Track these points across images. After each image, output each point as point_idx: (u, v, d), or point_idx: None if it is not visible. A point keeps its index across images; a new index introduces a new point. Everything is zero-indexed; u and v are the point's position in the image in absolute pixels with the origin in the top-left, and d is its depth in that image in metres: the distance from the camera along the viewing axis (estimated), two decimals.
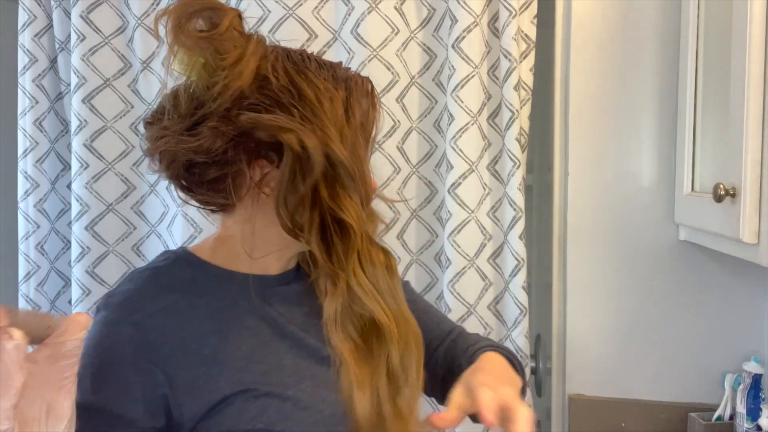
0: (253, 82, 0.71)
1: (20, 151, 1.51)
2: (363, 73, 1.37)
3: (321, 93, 0.74)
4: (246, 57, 0.70)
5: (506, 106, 1.34)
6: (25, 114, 1.49)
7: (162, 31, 0.70)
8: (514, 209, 1.35)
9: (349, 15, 1.38)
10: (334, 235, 0.75)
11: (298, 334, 0.79)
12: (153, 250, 1.49)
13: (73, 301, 1.49)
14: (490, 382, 0.70)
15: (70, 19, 1.45)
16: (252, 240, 0.79)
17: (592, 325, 1.39)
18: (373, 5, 1.37)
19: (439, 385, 0.90)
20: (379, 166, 1.40)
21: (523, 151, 1.36)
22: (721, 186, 1.02)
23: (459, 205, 1.38)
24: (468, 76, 1.35)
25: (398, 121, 1.41)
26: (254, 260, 0.81)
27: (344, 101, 0.76)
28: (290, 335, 0.79)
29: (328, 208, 0.74)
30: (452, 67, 1.36)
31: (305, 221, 0.74)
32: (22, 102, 1.50)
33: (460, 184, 1.37)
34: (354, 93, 0.78)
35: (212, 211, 0.83)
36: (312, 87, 0.74)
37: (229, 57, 0.70)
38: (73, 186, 1.46)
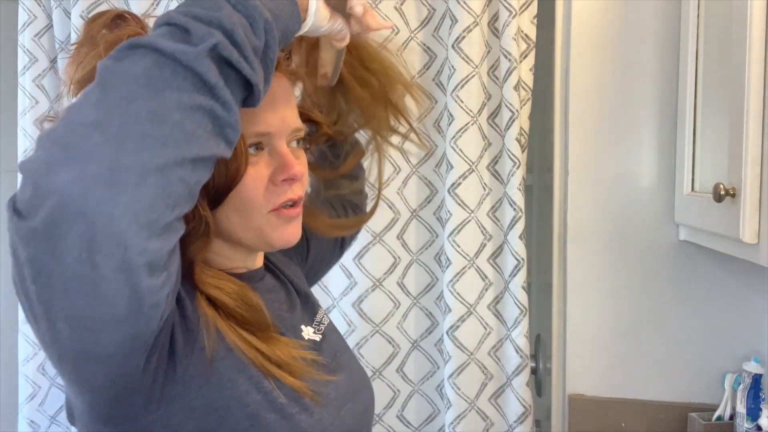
0: None
1: (20, 150, 1.51)
2: None
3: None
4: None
5: (506, 106, 1.34)
6: (25, 114, 1.49)
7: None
8: (514, 209, 1.35)
9: None
10: None
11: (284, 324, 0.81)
12: None
13: None
14: None
15: (70, 19, 1.45)
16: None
17: (592, 325, 1.39)
18: (373, 5, 1.37)
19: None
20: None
21: (523, 151, 1.36)
22: (721, 186, 1.02)
23: (459, 205, 1.38)
24: (468, 76, 1.35)
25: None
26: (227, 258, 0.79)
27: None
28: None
29: None
30: (452, 67, 1.36)
31: None
32: (22, 102, 1.50)
33: (460, 184, 1.37)
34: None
35: None
36: None
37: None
38: None
